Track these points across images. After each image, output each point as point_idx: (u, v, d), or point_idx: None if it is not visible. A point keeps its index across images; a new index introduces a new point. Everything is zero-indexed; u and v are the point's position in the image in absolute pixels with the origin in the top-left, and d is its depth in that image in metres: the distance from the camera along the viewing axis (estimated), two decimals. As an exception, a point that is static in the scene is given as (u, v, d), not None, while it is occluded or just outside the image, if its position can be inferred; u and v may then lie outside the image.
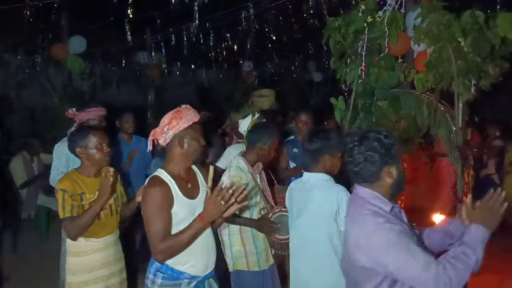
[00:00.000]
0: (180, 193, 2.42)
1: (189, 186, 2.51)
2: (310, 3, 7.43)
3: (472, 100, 4.06)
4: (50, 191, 5.88)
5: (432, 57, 3.93)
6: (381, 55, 4.18)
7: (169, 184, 2.39)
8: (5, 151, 6.69)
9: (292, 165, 4.90)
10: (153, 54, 10.17)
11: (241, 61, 11.87)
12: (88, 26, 8.39)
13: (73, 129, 3.99)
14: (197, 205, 2.45)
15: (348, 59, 4.36)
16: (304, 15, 8.12)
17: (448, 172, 6.00)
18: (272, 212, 3.31)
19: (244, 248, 3.35)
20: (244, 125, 4.20)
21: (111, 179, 2.92)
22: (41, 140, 6.66)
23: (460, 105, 3.99)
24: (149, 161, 4.96)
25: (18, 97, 8.25)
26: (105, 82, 9.50)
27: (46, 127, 7.81)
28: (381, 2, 4.35)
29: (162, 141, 2.46)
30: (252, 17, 8.20)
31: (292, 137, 5.11)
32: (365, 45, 4.17)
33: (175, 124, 2.41)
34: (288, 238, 3.10)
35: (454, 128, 3.98)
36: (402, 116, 4.15)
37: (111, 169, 2.97)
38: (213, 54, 10.54)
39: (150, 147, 2.52)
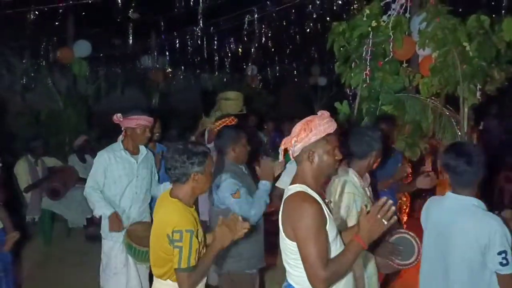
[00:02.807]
0: (328, 211, 2.11)
1: (327, 202, 2.20)
2: (315, 7, 7.43)
3: (478, 104, 4.05)
4: (54, 194, 5.88)
5: (437, 61, 3.92)
6: (385, 60, 4.18)
7: (320, 202, 2.07)
8: (9, 154, 6.70)
9: None
10: (157, 58, 10.20)
11: (245, 65, 11.89)
12: (93, 30, 8.43)
13: (121, 136, 3.78)
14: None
15: (353, 64, 4.36)
16: (309, 19, 8.12)
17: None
18: (389, 234, 2.96)
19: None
20: None
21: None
22: (46, 143, 6.66)
23: (466, 109, 3.98)
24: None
25: (23, 101, 8.28)
26: (110, 86, 9.52)
27: (50, 130, 7.83)
28: (386, 6, 4.35)
29: (290, 154, 2.17)
30: (256, 21, 8.22)
31: None
32: (369, 50, 4.17)
33: (304, 137, 2.09)
34: (410, 264, 2.89)
35: (460, 133, 3.96)
36: (407, 121, 4.14)
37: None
38: (217, 58, 10.56)
39: (281, 157, 2.27)
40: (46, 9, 6.89)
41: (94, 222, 6.53)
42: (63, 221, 6.37)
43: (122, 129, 3.73)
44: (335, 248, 2.08)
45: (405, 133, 4.19)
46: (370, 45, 4.17)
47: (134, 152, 3.78)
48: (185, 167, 2.34)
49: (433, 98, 4.11)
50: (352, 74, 4.32)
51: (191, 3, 7.21)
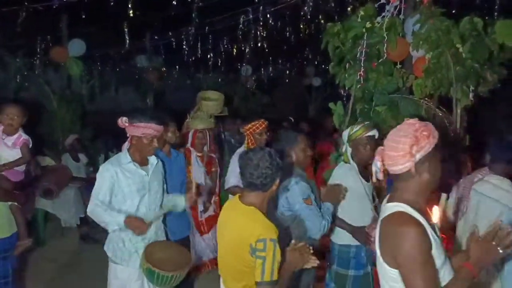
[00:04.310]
0: (434, 233, 1.84)
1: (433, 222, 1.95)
2: (310, 8, 7.45)
3: (470, 106, 4.08)
4: (47, 193, 5.86)
5: (431, 63, 3.94)
6: (379, 61, 4.20)
7: (423, 223, 1.81)
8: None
9: None
10: (152, 58, 10.18)
11: (240, 66, 11.90)
12: (87, 29, 8.40)
13: (127, 144, 3.28)
14: None
15: (347, 64, 4.38)
16: (303, 20, 8.14)
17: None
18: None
19: None
20: (344, 137, 3.56)
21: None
22: (39, 142, 6.64)
23: (459, 111, 4.01)
24: (184, 177, 4.24)
25: (17, 100, 8.24)
26: (104, 85, 9.50)
27: (44, 129, 7.80)
28: (380, 8, 4.37)
29: (400, 168, 1.85)
30: (251, 22, 8.23)
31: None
32: (364, 51, 4.19)
33: (425, 144, 1.81)
34: None
35: (453, 134, 3.99)
36: (400, 122, 4.15)
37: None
38: (212, 58, 10.56)
39: (380, 175, 1.97)
40: (40, 7, 6.86)
41: (87, 222, 6.53)
42: (57, 221, 6.35)
43: (128, 135, 3.21)
44: (442, 276, 1.82)
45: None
46: (364, 46, 4.19)
47: (143, 162, 3.25)
48: (273, 174, 2.29)
49: (426, 99, 4.13)
50: (346, 75, 4.33)
51: (186, 3, 7.21)
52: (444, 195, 2.02)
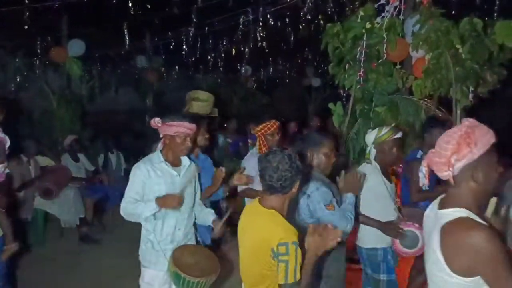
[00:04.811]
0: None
1: None
2: (309, 8, 7.45)
3: (470, 106, 4.08)
4: (47, 194, 5.85)
5: (430, 63, 3.95)
6: (379, 61, 4.20)
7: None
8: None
9: None
10: (151, 58, 10.19)
11: (239, 66, 11.90)
12: (87, 29, 8.40)
13: (159, 145, 3.24)
14: None
15: (347, 65, 4.38)
16: (303, 21, 8.14)
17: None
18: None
19: None
20: (369, 139, 3.51)
21: None
22: (38, 143, 6.64)
23: (458, 111, 4.01)
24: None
25: (16, 100, 8.24)
26: (104, 86, 9.50)
27: (43, 130, 7.80)
28: (380, 9, 4.37)
29: (443, 175, 1.79)
30: (251, 22, 8.23)
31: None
32: (363, 51, 4.19)
33: (467, 152, 1.72)
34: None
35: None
36: (400, 122, 4.17)
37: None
38: (211, 58, 10.56)
39: (425, 181, 1.94)
40: (40, 7, 6.86)
41: (87, 222, 6.53)
42: (56, 221, 6.34)
43: (161, 136, 3.17)
44: None
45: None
46: (364, 46, 4.19)
47: (176, 163, 3.20)
48: (293, 177, 2.26)
49: (426, 99, 4.14)
50: (346, 76, 4.34)
51: (186, 3, 7.22)
52: (494, 199, 1.96)
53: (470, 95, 4.01)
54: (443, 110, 4.14)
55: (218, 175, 3.65)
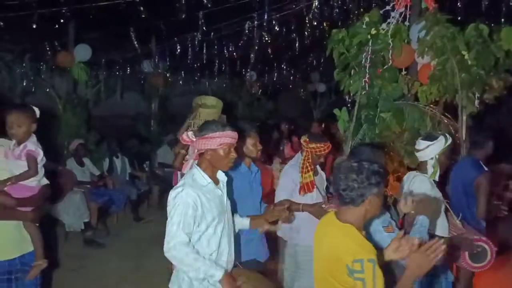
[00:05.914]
0: None
1: None
2: (315, 14, 7.46)
3: (476, 113, 4.06)
4: (51, 197, 5.87)
5: (436, 69, 3.94)
6: (384, 67, 4.19)
7: None
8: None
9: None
10: (157, 63, 10.23)
11: (244, 71, 11.92)
12: (93, 34, 8.45)
13: (192, 162, 2.75)
14: None
15: (352, 71, 4.38)
16: (308, 26, 8.16)
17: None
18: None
19: None
20: (434, 150, 3.24)
21: None
22: (44, 147, 6.67)
23: (464, 117, 3.99)
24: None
25: (21, 104, 8.29)
26: (109, 90, 9.54)
27: (49, 134, 7.83)
28: (385, 15, 4.37)
29: None
30: (256, 28, 8.25)
31: None
32: (369, 57, 4.18)
33: None
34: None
35: (458, 141, 3.97)
36: (405, 128, 4.15)
37: None
38: (217, 63, 10.59)
39: None
40: (47, 12, 6.91)
41: (91, 226, 6.53)
42: (61, 225, 6.36)
43: (195, 152, 2.70)
44: None
45: (404, 140, 4.20)
46: (369, 52, 4.18)
47: (216, 180, 2.72)
48: (363, 188, 2.09)
49: (431, 105, 4.12)
50: (351, 81, 4.33)
51: (192, 9, 7.24)
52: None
53: (476, 101, 4.00)
54: (449, 116, 4.13)
55: (278, 213, 3.03)
